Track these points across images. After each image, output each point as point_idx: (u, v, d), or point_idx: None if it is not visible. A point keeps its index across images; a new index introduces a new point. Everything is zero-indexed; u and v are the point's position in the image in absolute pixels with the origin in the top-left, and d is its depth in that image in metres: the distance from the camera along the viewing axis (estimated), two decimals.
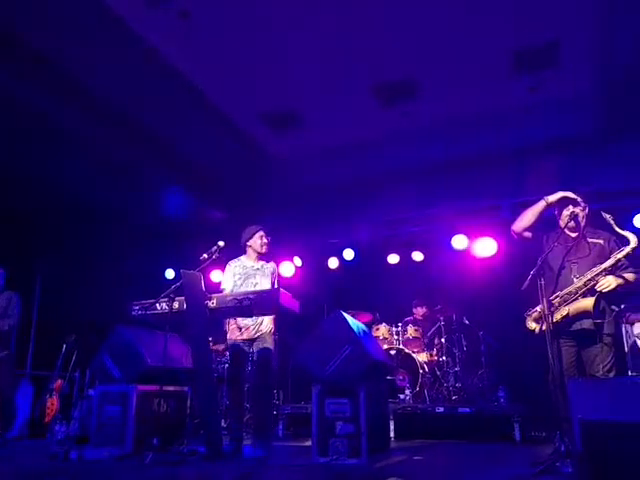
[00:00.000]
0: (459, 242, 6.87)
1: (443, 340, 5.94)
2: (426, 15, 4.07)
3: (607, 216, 3.33)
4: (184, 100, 5.15)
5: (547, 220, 3.64)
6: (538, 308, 3.47)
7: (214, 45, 4.44)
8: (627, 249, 3.27)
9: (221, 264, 4.14)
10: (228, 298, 3.44)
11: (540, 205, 3.54)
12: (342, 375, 3.30)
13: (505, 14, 3.98)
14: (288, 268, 7.11)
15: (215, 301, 3.43)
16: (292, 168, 6.59)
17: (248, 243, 4.22)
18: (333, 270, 7.39)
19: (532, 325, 3.56)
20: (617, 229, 3.30)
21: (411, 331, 6.03)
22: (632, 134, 4.95)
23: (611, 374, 3.29)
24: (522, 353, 5.11)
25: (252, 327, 3.92)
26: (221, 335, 4.26)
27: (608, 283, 3.27)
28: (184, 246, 6.47)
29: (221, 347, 5.72)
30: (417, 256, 7.29)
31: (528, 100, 4.88)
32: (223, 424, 4.87)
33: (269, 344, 3.89)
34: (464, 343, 6.03)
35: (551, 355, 3.19)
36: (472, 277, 6.62)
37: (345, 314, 3.50)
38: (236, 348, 3.92)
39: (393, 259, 7.37)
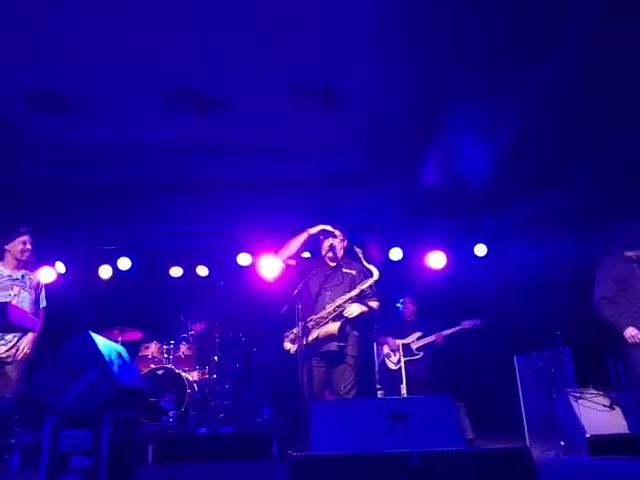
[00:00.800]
0: (244, 260, 6.97)
1: (216, 358, 5.88)
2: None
3: (358, 250, 3.72)
4: None
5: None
6: (294, 330, 3.69)
7: None
8: (370, 281, 3.69)
9: None
10: None
11: (302, 236, 3.80)
12: (83, 404, 2.97)
13: (291, 51, 4.18)
14: (48, 274, 6.25)
15: None
16: (65, 161, 5.86)
17: (6, 247, 3.65)
18: (105, 280, 6.78)
19: (288, 346, 3.80)
20: (364, 262, 3.70)
21: (184, 349, 5.85)
22: (390, 178, 5.69)
23: (352, 393, 3.64)
24: (287, 371, 5.34)
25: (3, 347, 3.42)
26: None
27: (352, 310, 3.62)
28: None
29: None
30: (202, 271, 7.16)
31: (309, 135, 5.23)
32: None
33: (13, 384, 3.38)
34: (238, 360, 6.06)
35: (301, 375, 3.41)
36: (254, 295, 6.75)
37: (94, 335, 3.17)
38: None
39: (176, 272, 7.10)
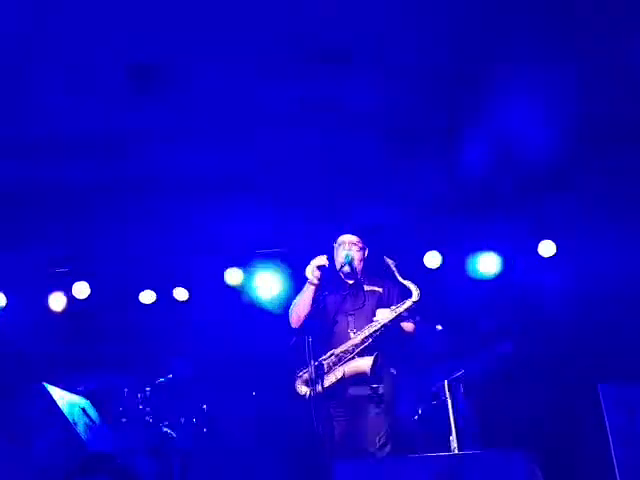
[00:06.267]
0: (233, 277, 6.98)
1: (205, 406, 5.95)
2: None
3: (389, 261, 3.61)
4: None
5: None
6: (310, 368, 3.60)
7: None
8: (408, 303, 3.59)
9: None
10: None
11: (307, 289, 3.82)
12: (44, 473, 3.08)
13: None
14: None
15: None
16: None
17: None
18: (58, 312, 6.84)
19: (302, 389, 3.66)
20: (399, 278, 3.60)
21: (163, 397, 5.94)
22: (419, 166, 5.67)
23: (386, 448, 3.55)
24: (298, 420, 5.36)
25: None
26: None
27: (383, 315, 3.63)
28: None
29: None
30: (180, 294, 7.16)
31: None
32: None
33: None
34: (237, 407, 6.14)
35: (317, 426, 3.33)
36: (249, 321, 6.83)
37: (51, 387, 3.26)
38: None
39: (147, 298, 7.10)
